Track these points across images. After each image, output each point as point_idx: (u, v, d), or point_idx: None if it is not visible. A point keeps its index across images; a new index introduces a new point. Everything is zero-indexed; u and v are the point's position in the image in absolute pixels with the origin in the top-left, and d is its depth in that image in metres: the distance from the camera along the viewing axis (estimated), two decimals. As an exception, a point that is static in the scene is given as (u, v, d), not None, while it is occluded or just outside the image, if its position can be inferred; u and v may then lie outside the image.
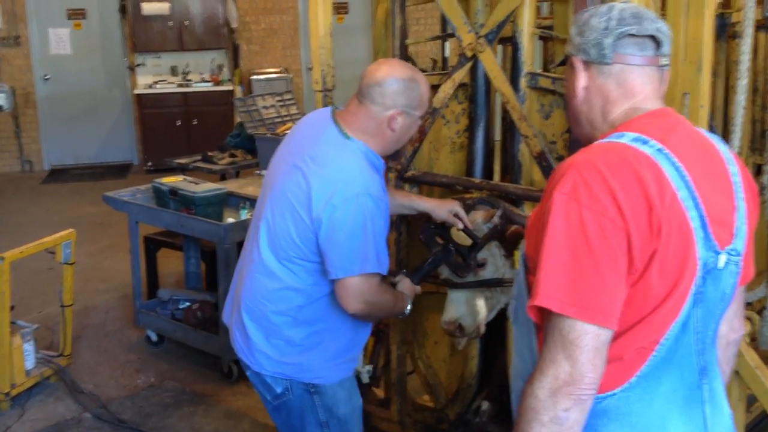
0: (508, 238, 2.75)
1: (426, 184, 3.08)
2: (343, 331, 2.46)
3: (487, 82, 2.88)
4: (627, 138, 1.56)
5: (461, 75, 2.87)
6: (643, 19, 1.64)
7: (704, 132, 1.74)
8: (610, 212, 1.46)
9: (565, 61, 1.77)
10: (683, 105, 2.42)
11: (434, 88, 2.99)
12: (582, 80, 1.69)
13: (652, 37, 1.64)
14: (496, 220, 2.71)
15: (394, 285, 2.62)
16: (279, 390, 2.48)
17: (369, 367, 2.72)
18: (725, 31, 2.96)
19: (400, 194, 2.82)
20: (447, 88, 2.90)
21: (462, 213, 2.70)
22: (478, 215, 2.76)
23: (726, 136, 2.95)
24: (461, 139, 3.04)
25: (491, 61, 2.77)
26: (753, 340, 2.77)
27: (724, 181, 1.64)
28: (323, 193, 2.27)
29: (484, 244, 2.73)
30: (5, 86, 3.99)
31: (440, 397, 3.25)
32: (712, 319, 1.63)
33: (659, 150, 1.54)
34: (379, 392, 3.49)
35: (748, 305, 3.16)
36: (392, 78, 2.35)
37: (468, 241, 2.72)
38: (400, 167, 3.03)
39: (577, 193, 1.48)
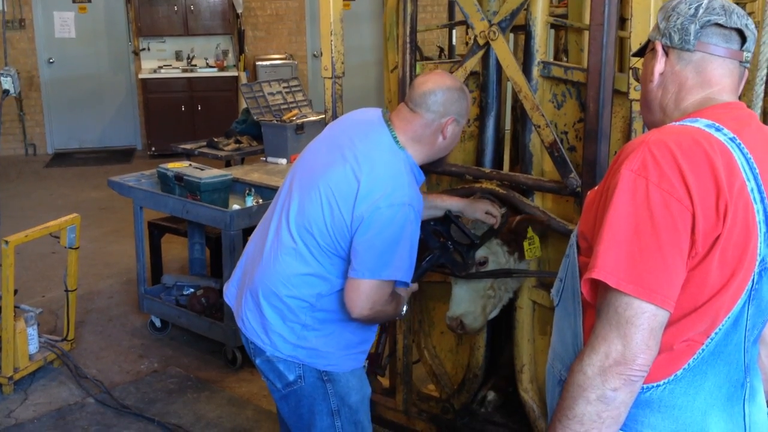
0: (514, 228, 2.72)
1: (436, 173, 3.05)
2: (355, 326, 2.47)
3: (499, 70, 2.85)
4: (701, 123, 1.55)
5: (473, 63, 2.84)
6: (732, 12, 1.62)
7: None
8: (677, 192, 1.44)
9: (643, 51, 1.76)
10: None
11: (445, 76, 2.98)
12: (660, 65, 1.67)
13: (739, 31, 1.62)
14: (499, 219, 2.70)
15: None
16: (291, 377, 2.47)
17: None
18: (740, 22, 2.92)
19: (432, 196, 2.82)
20: (458, 76, 2.86)
21: (495, 211, 2.72)
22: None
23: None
24: (471, 129, 3.02)
25: (504, 50, 2.74)
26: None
27: None
28: (371, 193, 2.29)
29: (483, 243, 2.71)
30: (12, 69, 3.95)
31: (446, 387, 3.24)
32: (760, 318, 1.61)
33: (732, 139, 1.52)
34: (385, 381, 3.48)
35: None
36: (445, 87, 2.41)
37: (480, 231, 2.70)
38: (409, 155, 3.00)
39: (646, 170, 1.46)
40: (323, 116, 3.24)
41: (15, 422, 3.91)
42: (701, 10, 1.62)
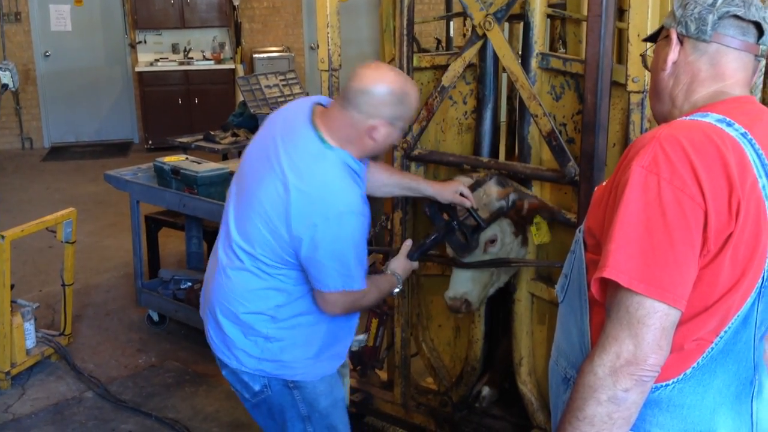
0: (524, 215, 2.71)
1: (433, 163, 3.04)
2: (324, 326, 2.38)
3: (496, 62, 2.83)
4: (711, 118, 1.52)
5: (472, 53, 2.82)
6: (751, 4, 1.58)
7: None
8: (690, 189, 1.41)
9: (655, 37, 1.72)
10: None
11: (442, 68, 2.96)
12: (674, 54, 1.64)
13: (757, 24, 1.59)
14: (512, 196, 2.67)
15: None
16: (257, 387, 2.39)
17: (361, 337, 2.68)
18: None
19: (406, 176, 2.77)
20: (457, 67, 2.85)
21: (468, 192, 2.65)
22: (494, 191, 2.72)
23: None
24: (468, 121, 3.00)
25: (500, 39, 2.72)
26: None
27: None
28: (304, 211, 2.16)
29: (489, 225, 2.70)
30: (10, 64, 3.92)
31: (444, 380, 3.23)
32: None
33: (743, 134, 1.50)
34: (383, 374, 3.47)
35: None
36: (381, 86, 2.20)
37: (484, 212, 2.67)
38: (406, 146, 2.99)
39: (658, 167, 1.43)
40: (320, 109, 3.22)
41: (12, 417, 3.90)
42: (720, 0, 1.58)
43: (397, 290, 2.54)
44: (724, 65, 1.60)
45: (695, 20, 1.60)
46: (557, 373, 1.73)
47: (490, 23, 2.71)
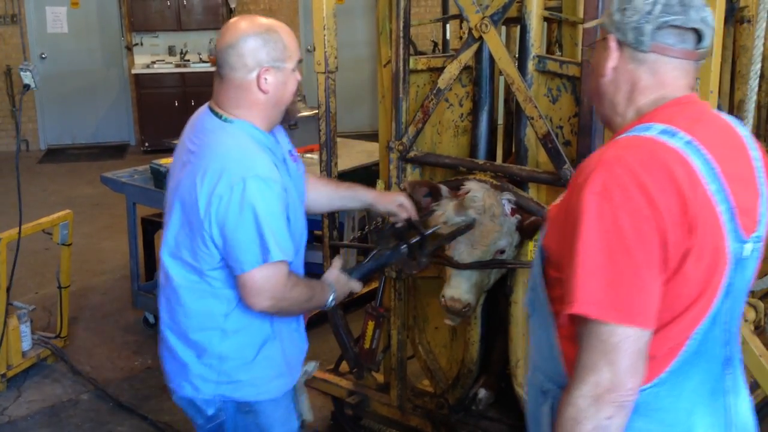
0: (525, 228, 2.70)
1: (429, 165, 3.04)
2: (277, 334, 2.26)
3: (492, 65, 2.83)
4: (654, 130, 1.51)
5: (468, 56, 2.83)
6: (690, 7, 1.55)
7: (725, 116, 1.70)
8: (644, 210, 1.40)
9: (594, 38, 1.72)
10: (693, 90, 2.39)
11: (438, 71, 2.96)
12: (613, 60, 1.61)
13: (695, 30, 1.56)
14: (472, 213, 2.62)
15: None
16: (211, 412, 2.26)
17: (314, 363, 2.51)
18: (733, 15, 2.92)
19: (343, 186, 2.67)
20: (453, 69, 2.85)
21: (408, 204, 2.59)
22: (450, 206, 2.71)
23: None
24: (465, 123, 3.01)
25: (496, 42, 2.73)
26: (756, 328, 2.76)
27: (747, 168, 1.61)
28: (207, 185, 2.04)
29: (449, 239, 2.63)
30: (31, 64, 3.91)
31: (440, 382, 3.23)
32: (738, 308, 1.61)
33: (688, 143, 1.49)
34: (379, 377, 3.47)
35: (751, 293, 3.14)
36: (243, 35, 2.09)
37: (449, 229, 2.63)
38: (402, 148, 2.99)
39: (609, 193, 1.42)
40: (316, 111, 3.22)
41: (8, 420, 3.90)
42: (658, 8, 1.53)
43: (330, 301, 2.34)
44: (664, 74, 1.58)
45: (632, 30, 1.56)
46: (535, 387, 1.73)
47: (486, 26, 2.72)
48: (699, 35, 1.56)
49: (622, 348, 1.41)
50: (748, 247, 1.54)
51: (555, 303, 1.61)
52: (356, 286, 2.43)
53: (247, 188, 2.01)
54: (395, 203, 2.58)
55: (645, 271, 1.41)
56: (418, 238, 2.56)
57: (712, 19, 1.58)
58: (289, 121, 2.32)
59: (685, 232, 1.43)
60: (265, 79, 2.10)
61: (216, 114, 2.16)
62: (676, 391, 1.54)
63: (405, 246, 2.55)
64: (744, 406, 1.67)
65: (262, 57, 2.09)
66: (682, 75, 1.59)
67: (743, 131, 1.66)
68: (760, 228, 1.57)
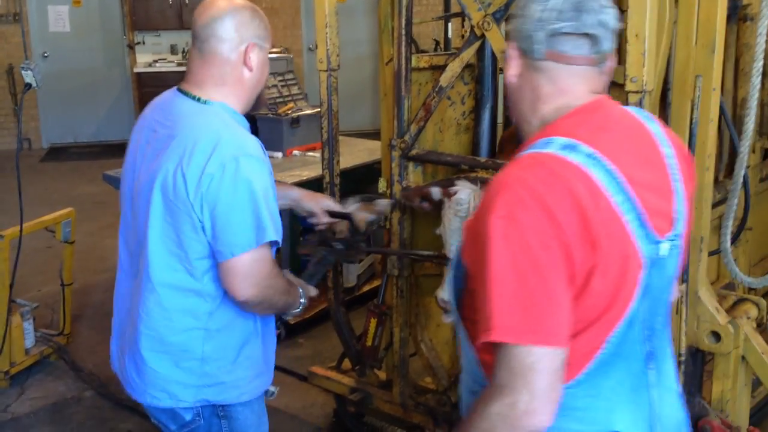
0: None
1: (431, 163, 3.05)
2: (259, 332, 2.21)
3: (494, 62, 2.84)
4: (555, 146, 1.47)
5: (470, 54, 2.83)
6: (584, 11, 1.50)
7: (634, 111, 1.66)
8: (550, 231, 1.39)
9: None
10: (695, 88, 2.39)
11: (440, 69, 2.97)
12: (515, 68, 1.58)
13: (589, 35, 1.51)
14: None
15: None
16: (188, 417, 2.17)
17: (276, 388, 2.49)
18: (736, 13, 2.91)
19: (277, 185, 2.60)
20: (455, 67, 2.86)
21: (335, 207, 2.56)
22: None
23: (737, 119, 2.92)
24: (467, 121, 3.01)
25: (498, 39, 2.73)
26: (759, 325, 2.75)
27: (659, 168, 1.58)
28: (195, 165, 1.94)
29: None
30: (32, 63, 3.91)
31: (443, 380, 3.24)
32: (660, 305, 1.60)
33: (589, 155, 1.45)
34: (382, 374, 3.48)
35: (752, 290, 3.14)
36: (231, 8, 2.04)
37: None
38: (404, 146, 3.00)
39: (515, 215, 1.40)
40: (318, 109, 3.23)
41: (11, 417, 3.91)
42: (549, 14, 1.50)
43: (300, 305, 2.28)
44: (563, 81, 1.54)
45: (525, 38, 1.54)
46: (466, 386, 1.74)
47: (488, 23, 2.73)
48: (594, 40, 1.52)
49: (539, 368, 1.39)
50: (665, 247, 1.52)
51: (468, 320, 1.61)
52: (312, 292, 2.38)
53: (241, 166, 1.94)
54: (319, 205, 2.54)
55: (557, 289, 1.40)
56: (348, 234, 2.58)
57: (613, 19, 1.54)
58: (258, 108, 2.30)
59: (589, 249, 1.41)
60: (251, 56, 2.07)
61: (190, 96, 2.08)
62: (594, 391, 1.53)
63: (339, 243, 2.57)
64: (670, 398, 1.65)
65: (249, 32, 2.06)
66: (582, 81, 1.55)
67: (654, 128, 1.62)
68: (677, 226, 1.56)
